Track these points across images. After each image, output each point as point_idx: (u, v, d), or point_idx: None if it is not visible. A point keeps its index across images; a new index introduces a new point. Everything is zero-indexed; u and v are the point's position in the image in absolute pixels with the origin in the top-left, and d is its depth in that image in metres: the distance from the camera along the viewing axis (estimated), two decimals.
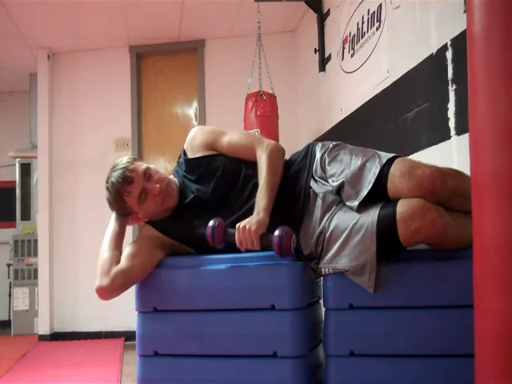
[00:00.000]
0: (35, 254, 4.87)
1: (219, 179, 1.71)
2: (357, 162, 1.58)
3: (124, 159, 1.70)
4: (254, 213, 1.56)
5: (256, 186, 1.65)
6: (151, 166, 1.72)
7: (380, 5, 2.70)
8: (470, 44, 1.01)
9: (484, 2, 0.97)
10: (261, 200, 1.59)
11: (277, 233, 1.49)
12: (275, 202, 1.62)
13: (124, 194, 1.64)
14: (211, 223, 1.55)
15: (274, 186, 1.63)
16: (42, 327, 4.58)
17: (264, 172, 1.64)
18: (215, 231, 1.54)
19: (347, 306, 1.51)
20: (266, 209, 1.57)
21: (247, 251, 1.55)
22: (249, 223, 1.52)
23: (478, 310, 0.99)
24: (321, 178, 1.66)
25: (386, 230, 1.43)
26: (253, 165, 1.70)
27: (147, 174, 1.67)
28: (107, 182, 1.67)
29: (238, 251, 1.57)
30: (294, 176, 1.70)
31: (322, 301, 1.66)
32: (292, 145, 1.88)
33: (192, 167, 1.76)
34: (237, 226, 1.53)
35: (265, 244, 1.52)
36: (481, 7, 0.97)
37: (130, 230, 1.93)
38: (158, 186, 1.66)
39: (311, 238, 1.59)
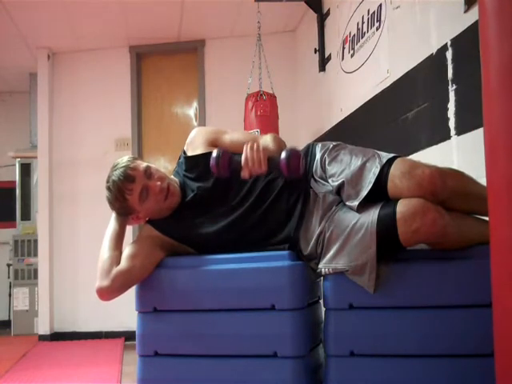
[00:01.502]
0: (35, 254, 4.87)
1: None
2: (357, 162, 1.58)
3: (124, 158, 1.70)
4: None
5: (256, 182, 1.65)
6: (152, 165, 1.73)
7: (380, 5, 2.71)
8: (483, 47, 1.00)
9: (496, 4, 0.96)
10: (268, 144, 1.65)
11: (284, 153, 1.46)
12: (275, 203, 1.63)
13: (126, 192, 1.64)
14: (215, 154, 1.51)
15: (280, 145, 1.66)
16: (42, 327, 4.59)
17: (268, 139, 1.70)
18: (220, 160, 1.50)
19: (347, 306, 1.51)
20: (275, 148, 1.62)
21: (252, 176, 1.53)
22: (257, 143, 1.52)
23: (496, 310, 0.99)
24: (321, 178, 1.66)
25: (386, 230, 1.43)
26: None
27: (148, 172, 1.67)
28: (108, 182, 1.67)
29: (242, 180, 1.56)
30: None
31: (322, 301, 1.66)
32: (292, 145, 1.88)
33: (192, 165, 1.76)
34: (244, 145, 1.52)
35: (272, 166, 1.48)
36: (493, 10, 0.97)
37: (129, 230, 1.93)
38: (158, 183, 1.66)
39: (311, 237, 1.59)
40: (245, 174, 1.52)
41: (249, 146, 1.51)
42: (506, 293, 0.96)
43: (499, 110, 0.97)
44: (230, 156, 1.51)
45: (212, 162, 1.51)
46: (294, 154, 1.45)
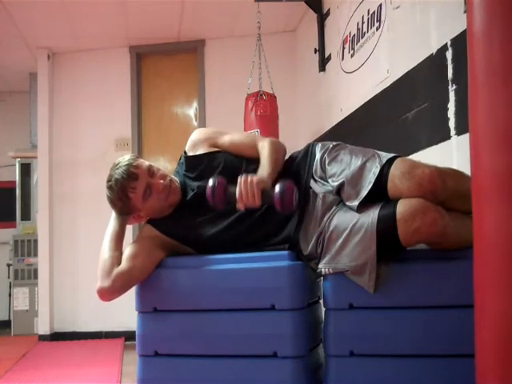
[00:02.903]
0: (35, 254, 4.87)
1: (219, 175, 1.71)
2: (357, 162, 1.58)
3: (126, 157, 1.70)
4: (257, 173, 1.57)
5: None
6: (153, 164, 1.73)
7: (380, 5, 2.71)
8: (470, 44, 1.01)
9: (484, 1, 0.97)
10: (264, 167, 1.60)
11: (278, 187, 1.47)
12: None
13: (129, 190, 1.64)
14: (211, 182, 1.52)
15: (277, 163, 1.64)
16: (42, 327, 4.59)
17: (266, 154, 1.66)
18: (215, 190, 1.51)
19: (347, 306, 1.51)
20: (270, 174, 1.58)
21: (247, 209, 1.53)
22: (251, 176, 1.52)
23: (478, 310, 0.99)
24: (321, 178, 1.66)
25: (386, 230, 1.43)
26: (255, 161, 1.71)
27: (151, 171, 1.68)
28: (110, 180, 1.66)
29: (238, 211, 1.56)
30: (293, 176, 1.69)
31: (322, 301, 1.66)
32: (292, 145, 1.88)
33: (192, 165, 1.77)
34: (238, 178, 1.52)
35: (266, 200, 1.50)
36: (481, 7, 0.97)
37: (129, 230, 1.93)
38: (161, 181, 1.66)
39: (311, 238, 1.59)
40: (239, 206, 1.53)
41: (243, 179, 1.51)
42: (488, 292, 0.96)
43: (484, 106, 0.98)
44: (225, 187, 1.52)
45: (208, 191, 1.52)
46: (287, 189, 1.46)
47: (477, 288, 0.99)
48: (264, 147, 1.70)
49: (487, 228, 0.97)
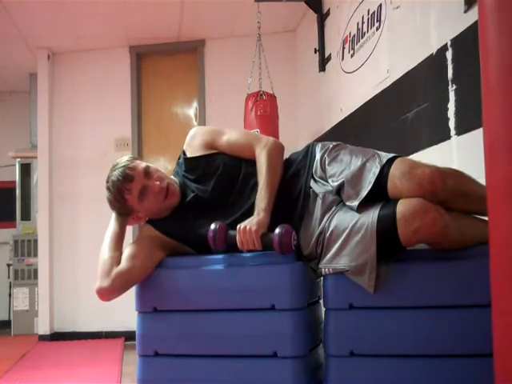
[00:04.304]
0: (35, 254, 4.87)
1: (219, 178, 1.71)
2: (357, 162, 1.58)
3: (124, 158, 1.71)
4: (255, 213, 1.57)
5: (256, 184, 1.65)
6: (151, 165, 1.73)
7: (380, 5, 2.71)
8: (483, 50, 1.00)
9: (495, 4, 0.96)
10: (261, 200, 1.59)
11: (277, 231, 1.50)
12: (275, 202, 1.62)
13: (125, 192, 1.64)
14: (212, 227, 1.56)
15: (274, 185, 1.63)
16: (42, 327, 4.59)
17: (263, 171, 1.64)
18: (216, 235, 1.55)
19: (347, 306, 1.51)
20: (266, 209, 1.57)
21: (249, 251, 1.55)
22: (249, 224, 1.52)
23: (495, 311, 0.99)
24: (321, 178, 1.66)
25: (386, 230, 1.43)
26: (253, 163, 1.71)
27: (147, 172, 1.67)
28: (108, 182, 1.67)
29: (240, 251, 1.57)
30: (293, 176, 1.70)
31: (322, 301, 1.66)
32: (292, 145, 1.88)
33: (192, 166, 1.77)
34: (237, 227, 1.54)
35: (266, 243, 1.53)
36: (492, 9, 0.97)
37: (129, 230, 1.93)
38: (158, 183, 1.66)
39: (311, 237, 1.59)
40: (242, 250, 1.56)
41: (241, 228, 1.52)
42: (505, 293, 0.96)
43: (499, 109, 0.97)
44: (226, 232, 1.57)
45: (209, 235, 1.56)
46: (286, 232, 1.50)
47: (494, 289, 0.99)
48: (260, 158, 1.68)
49: (503, 229, 0.96)
